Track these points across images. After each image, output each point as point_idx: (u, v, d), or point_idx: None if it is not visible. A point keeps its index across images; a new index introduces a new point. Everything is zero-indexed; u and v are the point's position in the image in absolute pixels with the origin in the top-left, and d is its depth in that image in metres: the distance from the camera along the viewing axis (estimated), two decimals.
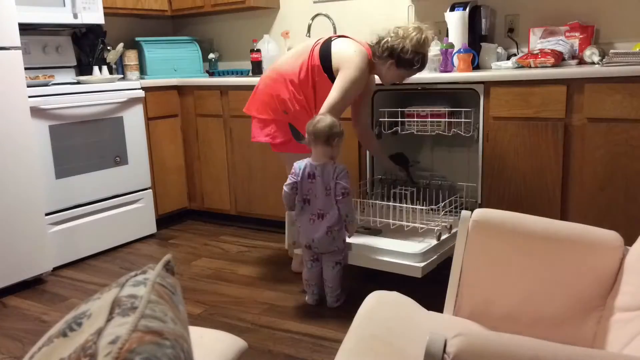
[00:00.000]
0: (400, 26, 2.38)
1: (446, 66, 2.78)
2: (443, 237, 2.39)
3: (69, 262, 3.02)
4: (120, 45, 3.53)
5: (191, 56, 3.86)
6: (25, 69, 2.87)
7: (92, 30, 3.45)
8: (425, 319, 1.39)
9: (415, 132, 2.89)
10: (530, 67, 2.62)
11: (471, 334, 0.83)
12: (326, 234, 2.25)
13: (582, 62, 2.70)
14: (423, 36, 2.34)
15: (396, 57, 2.33)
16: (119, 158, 3.23)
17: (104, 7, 3.30)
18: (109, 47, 3.53)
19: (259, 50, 3.64)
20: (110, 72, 3.54)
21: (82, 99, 3.01)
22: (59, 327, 0.60)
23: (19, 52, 2.62)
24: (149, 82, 3.41)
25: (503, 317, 1.41)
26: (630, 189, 2.31)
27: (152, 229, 3.47)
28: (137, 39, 3.71)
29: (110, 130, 3.17)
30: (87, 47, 3.46)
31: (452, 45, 2.79)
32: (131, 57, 3.61)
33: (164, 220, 3.62)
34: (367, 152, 2.93)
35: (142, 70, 3.69)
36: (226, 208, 3.55)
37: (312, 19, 3.44)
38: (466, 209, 1.59)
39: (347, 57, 2.36)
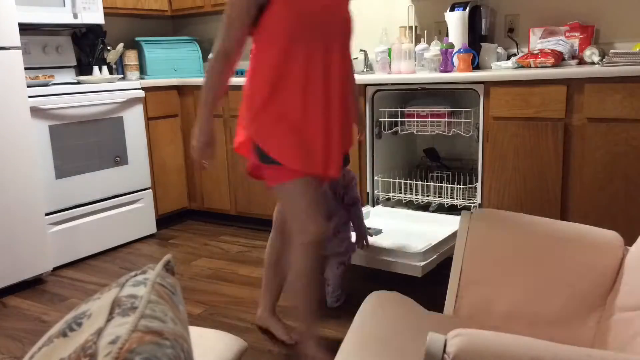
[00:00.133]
0: None
1: (446, 66, 2.78)
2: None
3: (69, 262, 3.02)
4: (120, 45, 3.53)
5: (191, 56, 3.86)
6: (25, 69, 2.87)
7: (92, 30, 3.45)
8: (425, 319, 1.39)
9: (415, 132, 2.90)
10: (530, 67, 2.62)
11: (471, 334, 0.83)
12: (334, 235, 2.27)
13: (582, 62, 2.70)
14: None
15: None
16: (119, 158, 3.23)
17: (104, 7, 3.30)
18: (109, 47, 3.53)
19: None
20: (110, 72, 3.54)
21: (82, 99, 3.01)
22: (59, 327, 0.60)
23: (19, 52, 2.62)
24: (149, 82, 3.41)
25: (503, 317, 1.41)
26: (630, 189, 2.31)
27: (152, 229, 3.47)
28: (137, 39, 3.71)
29: (110, 130, 3.17)
30: (87, 47, 3.46)
31: (452, 45, 2.79)
32: (131, 57, 3.61)
33: (164, 220, 3.62)
34: (368, 152, 2.93)
35: (142, 70, 3.69)
36: (226, 208, 3.55)
37: None
38: None
39: None
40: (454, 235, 2.34)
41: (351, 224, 2.33)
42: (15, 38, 2.60)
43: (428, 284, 2.49)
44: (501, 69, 2.71)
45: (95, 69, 3.36)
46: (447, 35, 2.87)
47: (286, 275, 2.04)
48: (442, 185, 2.83)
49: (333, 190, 2.27)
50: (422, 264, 2.20)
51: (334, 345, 2.07)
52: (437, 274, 2.25)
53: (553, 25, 2.83)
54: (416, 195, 2.90)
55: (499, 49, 2.91)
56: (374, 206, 2.95)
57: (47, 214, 2.85)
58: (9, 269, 2.63)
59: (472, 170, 2.93)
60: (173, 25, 4.31)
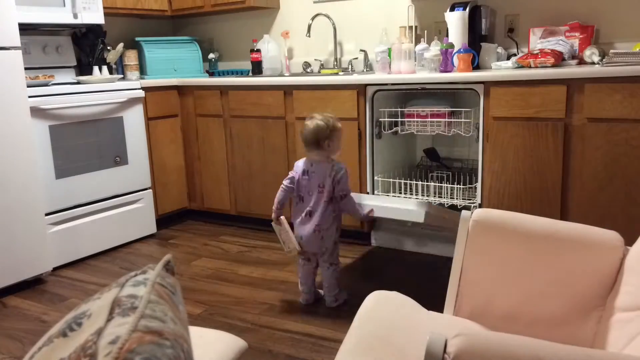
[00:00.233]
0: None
1: (446, 66, 2.78)
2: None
3: (69, 262, 3.02)
4: (120, 45, 3.53)
5: (191, 56, 3.86)
6: (25, 69, 2.87)
7: (92, 30, 3.45)
8: (425, 319, 1.39)
9: (415, 132, 2.90)
10: (530, 67, 2.62)
11: (471, 334, 0.83)
12: (314, 232, 2.27)
13: (582, 62, 2.70)
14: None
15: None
16: (119, 158, 3.23)
17: (104, 7, 3.30)
18: (109, 47, 3.53)
19: (259, 50, 3.64)
20: (110, 72, 3.54)
21: (82, 99, 3.01)
22: (59, 327, 0.60)
23: (19, 52, 2.62)
24: (149, 82, 3.41)
25: (503, 317, 1.41)
26: (630, 189, 2.31)
27: (152, 229, 3.47)
28: (137, 39, 3.71)
29: (110, 130, 3.17)
30: (87, 47, 3.46)
31: (452, 45, 2.79)
32: (131, 57, 3.61)
33: (164, 220, 3.62)
34: (368, 152, 2.93)
35: (142, 70, 3.69)
36: (226, 208, 3.55)
37: (312, 19, 3.44)
38: None
39: None
40: (456, 212, 2.37)
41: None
42: (15, 38, 2.60)
43: (428, 284, 2.49)
44: (501, 69, 2.71)
45: (95, 69, 3.36)
46: (447, 35, 2.87)
47: None
48: (442, 185, 2.83)
49: (318, 183, 2.26)
50: (425, 210, 2.23)
51: (334, 345, 2.07)
52: (437, 274, 2.25)
53: (553, 25, 2.83)
54: (416, 195, 2.90)
55: (499, 49, 2.91)
56: None
57: (47, 214, 2.85)
58: (9, 269, 2.63)
59: (472, 170, 2.93)
60: (173, 25, 4.31)
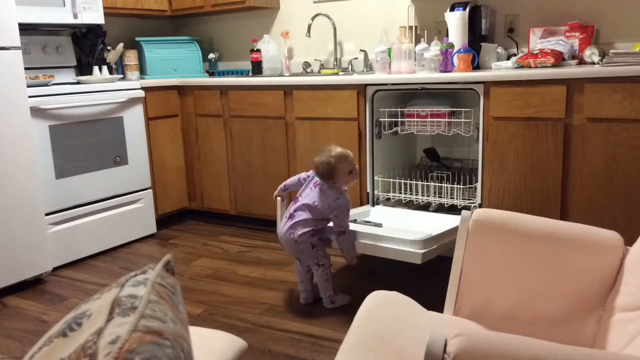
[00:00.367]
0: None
1: (446, 66, 2.78)
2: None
3: (69, 262, 3.02)
4: (120, 45, 3.53)
5: (191, 56, 3.86)
6: (25, 69, 2.87)
7: (92, 30, 3.45)
8: (425, 319, 1.39)
9: (415, 132, 2.90)
10: (530, 67, 2.62)
11: (471, 334, 0.83)
12: (288, 233, 2.28)
13: (582, 62, 2.70)
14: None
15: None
16: (119, 158, 3.23)
17: (104, 7, 3.30)
18: (109, 47, 3.53)
19: (259, 50, 3.64)
20: (110, 72, 3.54)
21: (82, 99, 3.01)
22: (59, 327, 0.60)
23: (19, 52, 2.62)
24: (149, 82, 3.41)
25: (503, 317, 1.41)
26: (630, 189, 2.31)
27: (152, 229, 3.47)
28: (137, 39, 3.71)
29: (110, 130, 3.17)
30: (87, 47, 3.46)
31: (452, 45, 2.79)
32: (131, 57, 3.61)
33: (164, 220, 3.62)
34: (368, 152, 2.93)
35: (142, 70, 3.69)
36: (226, 208, 3.55)
37: (312, 19, 3.44)
38: None
39: None
40: (454, 230, 2.34)
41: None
42: (15, 38, 2.60)
43: (428, 284, 2.49)
44: (501, 69, 2.71)
45: (95, 69, 3.36)
46: (447, 35, 2.87)
47: None
48: (442, 185, 2.83)
49: (312, 200, 2.27)
50: (423, 251, 2.19)
51: (334, 345, 2.07)
52: (437, 274, 2.25)
53: (553, 25, 2.83)
54: (416, 195, 2.90)
55: (499, 49, 2.91)
56: (373, 206, 2.95)
57: (47, 214, 2.85)
58: (9, 269, 2.63)
59: (472, 170, 2.93)
60: (173, 25, 4.31)
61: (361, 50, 3.41)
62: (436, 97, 2.89)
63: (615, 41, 2.75)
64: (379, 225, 2.61)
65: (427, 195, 2.89)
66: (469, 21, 2.84)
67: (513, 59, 2.74)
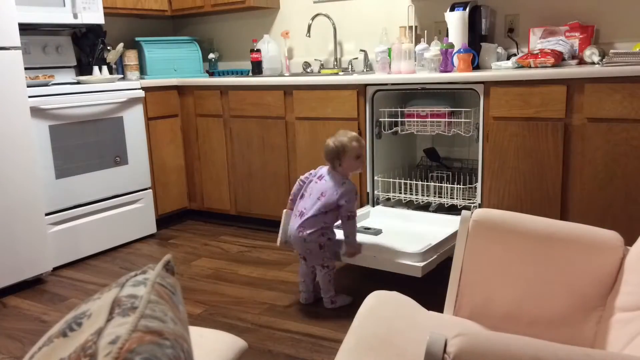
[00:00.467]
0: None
1: (446, 66, 2.78)
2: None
3: (69, 262, 3.02)
4: (120, 45, 3.53)
5: (191, 56, 3.86)
6: (25, 69, 2.87)
7: (92, 30, 3.45)
8: (425, 319, 1.39)
9: (415, 132, 2.90)
10: (530, 67, 2.62)
11: (471, 334, 0.83)
12: (298, 232, 2.28)
13: (582, 62, 2.70)
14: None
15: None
16: (119, 158, 3.23)
17: (104, 7, 3.30)
18: (109, 47, 3.53)
19: (259, 50, 3.64)
20: (110, 72, 3.54)
21: (82, 99, 3.01)
22: (59, 327, 0.60)
23: (19, 52, 2.62)
24: (149, 82, 3.41)
25: (503, 317, 1.41)
26: (631, 188, 2.31)
27: (152, 229, 3.47)
28: (137, 39, 3.71)
29: (110, 130, 3.17)
30: (87, 47, 3.46)
31: (452, 45, 2.79)
32: (131, 57, 3.61)
33: (164, 220, 3.62)
34: (368, 152, 2.93)
35: (142, 70, 3.69)
36: (226, 208, 3.55)
37: (312, 19, 3.44)
38: None
39: None
40: (453, 236, 2.34)
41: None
42: (15, 38, 2.60)
43: (428, 284, 2.49)
44: (501, 69, 2.71)
45: (95, 69, 3.36)
46: (447, 35, 2.87)
47: None
48: (442, 185, 2.83)
49: (321, 191, 2.28)
50: (422, 264, 2.20)
51: (334, 345, 2.07)
52: (437, 274, 2.25)
53: (553, 25, 2.83)
54: (416, 195, 2.90)
55: (499, 49, 2.91)
56: (374, 206, 2.95)
57: (47, 214, 2.85)
58: (9, 269, 2.63)
59: (472, 170, 2.93)
60: (173, 25, 4.31)
61: (361, 50, 3.41)
62: (436, 97, 2.89)
63: (615, 41, 2.75)
64: (379, 232, 2.61)
65: (427, 196, 2.89)
66: (469, 21, 2.84)
67: (513, 59, 2.74)
